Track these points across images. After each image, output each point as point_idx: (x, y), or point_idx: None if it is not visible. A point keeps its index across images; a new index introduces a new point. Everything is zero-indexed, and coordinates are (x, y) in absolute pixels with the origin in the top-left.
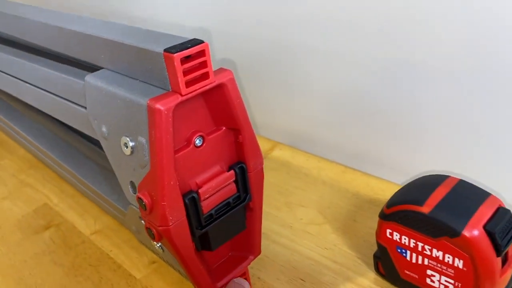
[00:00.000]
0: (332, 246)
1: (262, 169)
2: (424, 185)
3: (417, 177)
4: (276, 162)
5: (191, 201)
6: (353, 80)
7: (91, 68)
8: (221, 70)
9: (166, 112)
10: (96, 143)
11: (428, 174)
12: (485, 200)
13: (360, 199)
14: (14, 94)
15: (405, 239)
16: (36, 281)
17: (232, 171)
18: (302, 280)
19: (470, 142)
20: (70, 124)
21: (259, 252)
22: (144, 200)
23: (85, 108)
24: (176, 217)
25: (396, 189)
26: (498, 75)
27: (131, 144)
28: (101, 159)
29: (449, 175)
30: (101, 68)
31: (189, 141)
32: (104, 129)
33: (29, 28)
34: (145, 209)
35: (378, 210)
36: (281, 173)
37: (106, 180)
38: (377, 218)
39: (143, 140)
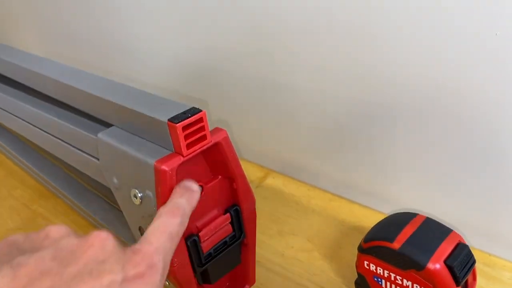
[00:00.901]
0: (320, 272)
1: (254, 209)
2: (395, 223)
3: (393, 212)
4: (269, 190)
5: (193, 243)
6: (334, 116)
7: (103, 122)
8: (217, 130)
9: (170, 172)
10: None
11: (402, 207)
12: (447, 236)
13: (345, 226)
14: (28, 138)
15: (380, 270)
16: None
17: (228, 214)
18: None
19: (445, 173)
20: (82, 170)
21: (254, 282)
22: None
23: (98, 159)
24: (180, 258)
25: (378, 215)
26: (464, 118)
27: (139, 195)
28: (112, 197)
29: (418, 213)
30: (112, 125)
31: None
32: (115, 180)
33: (43, 83)
34: None
35: (361, 237)
36: (274, 201)
37: (116, 218)
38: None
39: (150, 193)
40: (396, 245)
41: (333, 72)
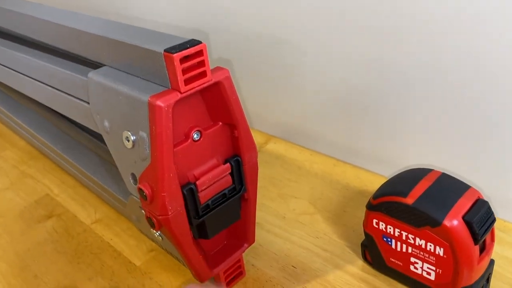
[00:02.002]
0: (323, 235)
1: (256, 162)
2: (409, 178)
3: (403, 170)
4: (270, 155)
5: (189, 192)
6: (342, 77)
7: (93, 64)
8: (218, 69)
9: (166, 108)
10: (97, 136)
11: (413, 167)
12: (464, 192)
13: (350, 190)
14: (16, 88)
15: (390, 228)
16: (40, 269)
17: (228, 164)
18: (293, 267)
19: (454, 137)
20: (72, 117)
21: (253, 241)
22: (145, 191)
23: (88, 103)
24: (175, 207)
25: (384, 181)
26: (485, 75)
27: (132, 138)
28: (102, 151)
29: (432, 168)
30: (103, 65)
31: (187, 136)
32: (106, 123)
33: (32, 26)
34: (146, 199)
35: (367, 201)
36: (275, 166)
37: (107, 171)
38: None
39: (144, 134)
40: (410, 200)
41: (341, 33)
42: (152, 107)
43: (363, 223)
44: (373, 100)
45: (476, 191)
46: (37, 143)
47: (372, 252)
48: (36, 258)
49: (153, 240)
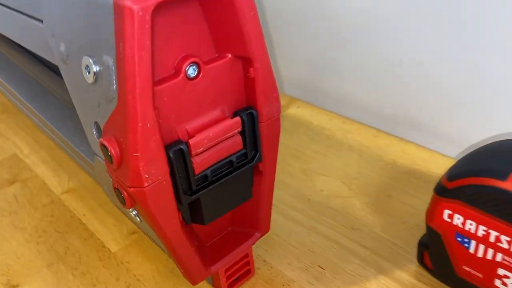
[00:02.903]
0: (361, 227)
1: (279, 119)
2: (503, 153)
3: (482, 144)
4: (292, 121)
5: (178, 154)
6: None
7: None
8: None
9: (141, 13)
10: None
11: (490, 142)
12: None
13: (395, 169)
14: None
15: (471, 224)
16: None
17: (237, 118)
18: (320, 268)
19: None
20: (28, 46)
21: (268, 229)
22: (110, 148)
23: (42, 21)
24: (155, 175)
25: (442, 159)
26: None
27: (94, 68)
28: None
29: None
30: None
31: (178, 70)
32: (62, 48)
33: None
34: (111, 162)
35: (418, 184)
36: (298, 134)
37: (76, 126)
38: (418, 194)
39: (109, 60)
40: (510, 184)
41: None
42: (119, 12)
43: (427, 214)
44: (427, 53)
45: None
46: (6, 92)
47: (436, 255)
48: None
49: (131, 220)
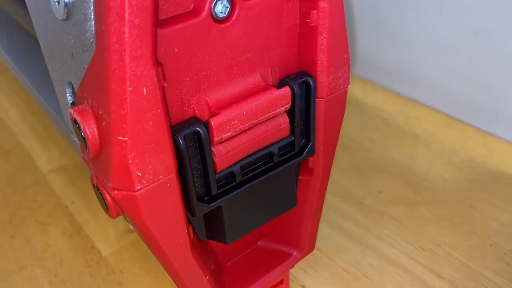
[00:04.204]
0: (435, 247)
1: (345, 93)
2: None
3: None
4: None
5: (192, 140)
6: None
7: None
8: None
9: None
10: None
11: None
12: None
13: (475, 170)
14: None
15: None
16: None
17: (286, 89)
18: None
19: None
20: None
21: (313, 248)
22: (83, 125)
23: None
24: (153, 173)
25: None
26: None
27: None
28: None
29: None
30: None
31: (200, 5)
32: None
33: None
34: (85, 147)
35: (508, 192)
36: (347, 117)
37: None
38: (509, 206)
39: None
40: None
41: None
42: None
43: None
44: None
45: None
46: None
47: None
48: None
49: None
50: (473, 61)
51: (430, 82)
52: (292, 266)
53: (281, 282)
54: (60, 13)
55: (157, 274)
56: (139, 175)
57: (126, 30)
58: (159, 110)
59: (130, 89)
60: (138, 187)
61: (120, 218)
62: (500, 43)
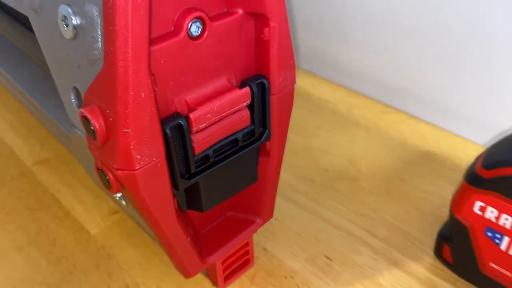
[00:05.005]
0: (371, 213)
1: (293, 90)
2: None
3: (490, 140)
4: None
5: (176, 131)
6: None
7: None
8: None
9: None
10: None
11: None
12: None
13: (408, 150)
14: None
15: (506, 219)
16: None
17: (247, 89)
18: (327, 258)
19: None
20: None
21: (271, 216)
22: (93, 121)
23: None
24: (148, 155)
25: (460, 141)
26: None
27: (74, 20)
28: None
29: None
30: None
31: (179, 27)
32: None
33: None
34: (94, 138)
35: (432, 167)
36: (299, 107)
37: (50, 89)
38: (432, 178)
39: (93, 10)
40: None
41: None
42: None
43: (453, 204)
44: (445, 22)
45: None
46: None
47: (459, 250)
48: None
49: (114, 200)
50: (405, 56)
51: (369, 75)
52: (255, 231)
53: (246, 244)
54: (68, 34)
55: (141, 246)
56: (138, 158)
57: (130, 51)
58: (153, 109)
59: (132, 93)
60: (137, 167)
61: (105, 200)
62: (427, 42)
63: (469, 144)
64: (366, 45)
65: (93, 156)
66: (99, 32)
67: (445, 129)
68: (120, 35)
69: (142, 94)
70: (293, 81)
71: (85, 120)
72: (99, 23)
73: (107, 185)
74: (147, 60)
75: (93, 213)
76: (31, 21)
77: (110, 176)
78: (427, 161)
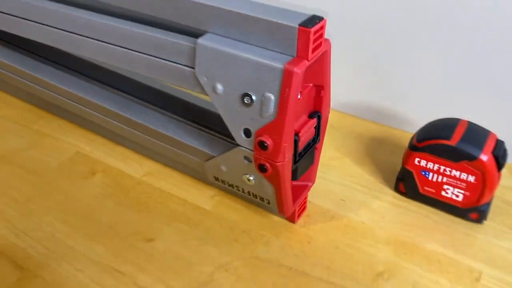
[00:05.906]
0: (357, 174)
1: (328, 116)
2: (446, 125)
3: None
4: None
5: (295, 141)
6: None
7: (182, 30)
8: (324, 39)
9: (301, 74)
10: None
11: (417, 123)
12: (488, 135)
13: (365, 139)
14: (93, 56)
15: (430, 164)
16: (111, 220)
17: (315, 118)
18: (342, 200)
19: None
20: (175, 83)
21: (315, 181)
22: (267, 142)
23: (192, 67)
24: (289, 154)
25: (390, 131)
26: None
27: (254, 97)
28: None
29: (460, 118)
30: (205, 31)
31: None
32: (219, 86)
33: None
34: (266, 150)
35: (383, 148)
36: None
37: (176, 126)
38: (385, 154)
39: (271, 96)
40: (453, 142)
41: None
42: (288, 73)
43: (403, 161)
44: (371, 47)
45: (494, 134)
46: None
47: (408, 184)
48: (102, 211)
49: (220, 188)
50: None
51: None
52: (310, 189)
53: (306, 197)
54: (247, 104)
55: (241, 211)
56: (286, 155)
57: (292, 112)
58: (293, 133)
59: (290, 130)
60: (286, 160)
61: (205, 189)
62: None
63: (404, 134)
64: None
65: (234, 161)
66: (273, 104)
67: (383, 124)
68: (290, 106)
69: (292, 128)
70: (329, 112)
71: (261, 142)
72: (273, 100)
73: (264, 171)
74: (296, 113)
75: (201, 198)
76: (211, 97)
77: (267, 166)
78: (377, 144)
